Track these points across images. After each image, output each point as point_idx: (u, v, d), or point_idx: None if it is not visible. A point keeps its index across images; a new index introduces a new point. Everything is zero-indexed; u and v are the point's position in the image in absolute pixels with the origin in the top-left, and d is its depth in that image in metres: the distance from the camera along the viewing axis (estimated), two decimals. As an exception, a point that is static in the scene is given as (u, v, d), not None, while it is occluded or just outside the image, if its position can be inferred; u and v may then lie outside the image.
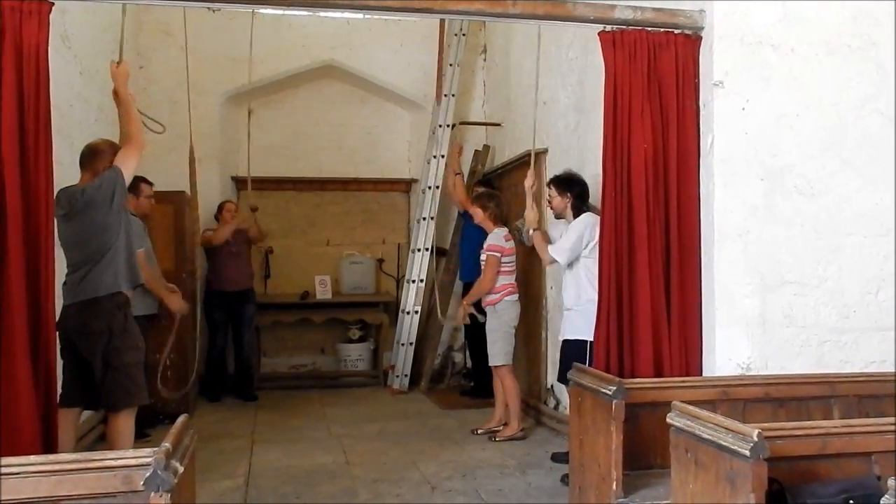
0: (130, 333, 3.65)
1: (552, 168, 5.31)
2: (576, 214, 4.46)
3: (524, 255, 5.54)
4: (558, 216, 4.65)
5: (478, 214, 5.34)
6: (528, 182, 4.57)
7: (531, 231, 4.59)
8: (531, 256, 5.76)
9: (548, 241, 4.58)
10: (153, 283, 4.83)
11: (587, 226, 4.35)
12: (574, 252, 4.39)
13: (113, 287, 3.59)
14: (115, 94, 3.69)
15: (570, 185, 4.50)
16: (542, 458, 4.72)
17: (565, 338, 4.47)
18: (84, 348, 3.55)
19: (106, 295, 3.57)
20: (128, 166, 3.63)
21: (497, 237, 5.23)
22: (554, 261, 4.50)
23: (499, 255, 5.16)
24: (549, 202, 4.60)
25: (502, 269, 5.17)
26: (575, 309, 4.39)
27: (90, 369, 3.55)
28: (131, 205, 4.85)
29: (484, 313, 5.36)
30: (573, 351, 4.31)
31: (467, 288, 6.06)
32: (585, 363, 4.14)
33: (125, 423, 3.61)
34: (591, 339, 4.25)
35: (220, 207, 6.73)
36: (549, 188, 4.59)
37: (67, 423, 3.59)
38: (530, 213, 4.61)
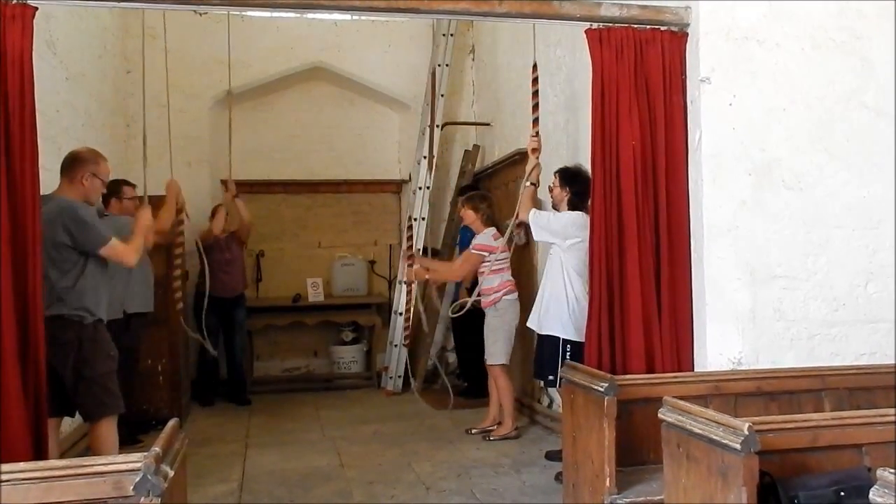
0: (100, 342, 3.56)
1: (543, 166, 5.31)
2: (570, 210, 4.46)
3: (517, 252, 5.53)
4: (555, 206, 4.66)
5: (468, 216, 5.36)
6: (533, 144, 4.45)
7: (527, 183, 4.46)
8: (524, 255, 5.78)
9: (535, 205, 4.50)
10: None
11: (573, 223, 4.35)
12: (549, 234, 4.41)
13: (78, 307, 3.46)
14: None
15: (572, 181, 4.47)
16: (536, 456, 4.73)
17: (545, 333, 4.44)
18: (53, 358, 3.36)
19: (70, 313, 3.45)
20: (114, 253, 3.56)
21: (486, 237, 5.23)
22: (526, 224, 4.48)
23: (485, 253, 5.15)
24: (551, 190, 4.61)
25: (497, 266, 5.15)
26: (557, 302, 4.38)
27: (62, 380, 3.44)
28: (115, 208, 4.82)
29: (480, 311, 5.32)
30: (552, 347, 4.34)
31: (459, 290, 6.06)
32: (559, 362, 4.16)
33: (106, 431, 3.54)
34: (572, 338, 4.28)
35: (214, 212, 6.70)
36: (555, 177, 4.59)
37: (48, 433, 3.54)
38: (535, 169, 4.46)
